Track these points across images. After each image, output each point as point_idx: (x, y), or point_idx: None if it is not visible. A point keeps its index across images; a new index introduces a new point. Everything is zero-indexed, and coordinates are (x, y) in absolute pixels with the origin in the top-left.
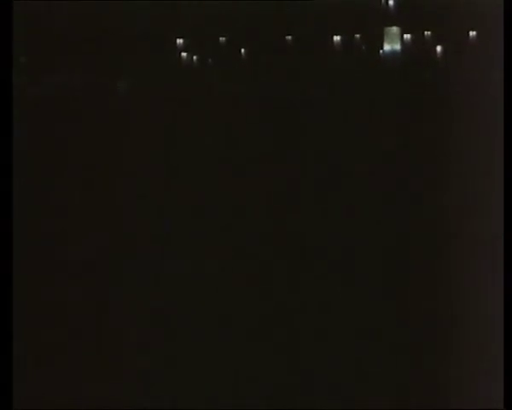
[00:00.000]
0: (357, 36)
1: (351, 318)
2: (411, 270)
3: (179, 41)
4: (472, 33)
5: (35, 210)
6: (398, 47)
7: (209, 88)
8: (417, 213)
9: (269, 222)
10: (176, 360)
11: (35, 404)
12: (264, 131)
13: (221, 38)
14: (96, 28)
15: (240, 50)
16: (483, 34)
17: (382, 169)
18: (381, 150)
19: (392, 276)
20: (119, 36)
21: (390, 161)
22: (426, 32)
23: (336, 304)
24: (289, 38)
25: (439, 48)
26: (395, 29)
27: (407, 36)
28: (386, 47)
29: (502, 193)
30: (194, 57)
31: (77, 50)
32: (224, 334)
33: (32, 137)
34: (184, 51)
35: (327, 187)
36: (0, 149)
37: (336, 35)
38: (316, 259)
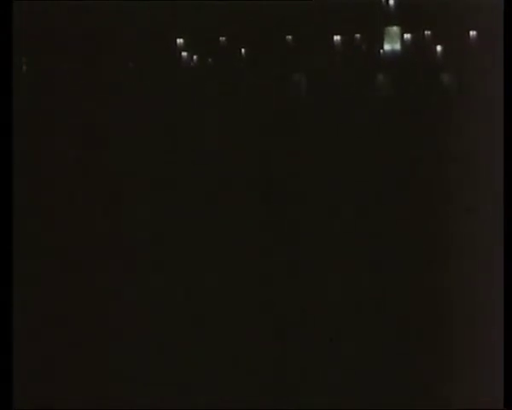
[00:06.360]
0: (358, 36)
1: (351, 318)
2: (411, 270)
3: (179, 41)
4: (472, 33)
5: (35, 210)
6: (398, 47)
7: (209, 88)
8: (416, 214)
9: (270, 221)
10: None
11: (35, 404)
12: (264, 130)
13: (221, 38)
14: (95, 28)
15: (240, 50)
16: (483, 34)
17: (382, 168)
18: (381, 150)
19: (392, 276)
20: (118, 36)
21: (390, 160)
22: (426, 32)
23: (336, 305)
24: (289, 37)
25: (439, 48)
26: (395, 29)
27: (407, 36)
28: (386, 47)
29: (502, 193)
30: (194, 57)
31: (76, 50)
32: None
33: (31, 136)
34: (184, 51)
35: (326, 186)
36: (0, 147)
37: (336, 35)
38: (315, 257)
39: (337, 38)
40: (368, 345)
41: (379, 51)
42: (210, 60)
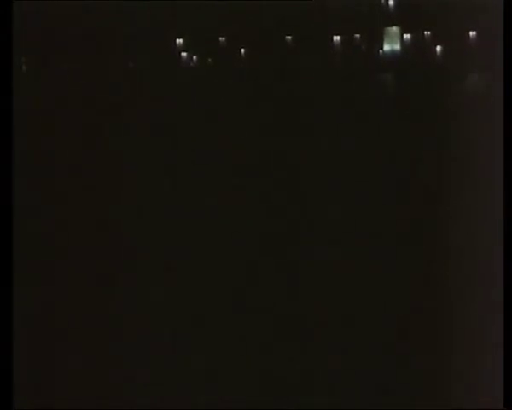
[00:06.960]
0: (357, 36)
1: (351, 318)
2: (412, 270)
3: (179, 41)
4: (472, 33)
5: (35, 210)
6: (398, 47)
7: (209, 88)
8: (416, 215)
9: (270, 221)
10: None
11: (35, 404)
12: (265, 130)
13: (221, 38)
14: (95, 28)
15: (240, 50)
16: (483, 34)
17: (382, 168)
18: (381, 150)
19: (393, 276)
20: (119, 36)
21: (390, 160)
22: (426, 32)
23: (337, 305)
24: (289, 38)
25: (439, 48)
26: (395, 29)
27: (407, 36)
28: (386, 47)
29: (502, 193)
30: (194, 57)
31: (77, 50)
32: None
33: (31, 136)
34: (184, 51)
35: (325, 185)
36: (0, 147)
37: (336, 35)
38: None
39: (337, 38)
40: (368, 345)
41: (379, 51)
42: (210, 60)
